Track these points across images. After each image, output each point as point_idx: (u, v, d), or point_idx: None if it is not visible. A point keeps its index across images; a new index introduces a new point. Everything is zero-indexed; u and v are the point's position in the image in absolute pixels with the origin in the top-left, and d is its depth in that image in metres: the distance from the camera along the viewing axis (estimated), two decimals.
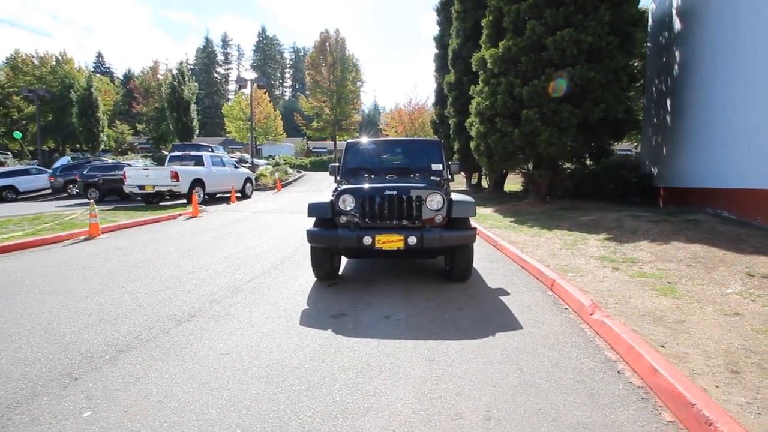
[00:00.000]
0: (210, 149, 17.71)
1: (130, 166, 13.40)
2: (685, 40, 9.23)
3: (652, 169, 11.18)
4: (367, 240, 3.83)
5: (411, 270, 5.01)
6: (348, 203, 4.08)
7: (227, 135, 34.38)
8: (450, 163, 5.43)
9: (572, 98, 9.11)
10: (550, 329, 3.10)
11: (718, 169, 7.15)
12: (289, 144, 36.94)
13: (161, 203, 12.29)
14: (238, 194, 13.70)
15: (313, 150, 42.19)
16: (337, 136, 34.45)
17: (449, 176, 5.32)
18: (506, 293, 4.00)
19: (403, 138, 6.92)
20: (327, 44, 32.66)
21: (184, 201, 11.99)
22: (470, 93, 11.06)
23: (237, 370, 2.49)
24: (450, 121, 14.09)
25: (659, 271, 4.33)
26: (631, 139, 17.59)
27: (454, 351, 2.73)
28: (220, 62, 66.63)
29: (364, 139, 5.70)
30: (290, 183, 19.10)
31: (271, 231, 7.80)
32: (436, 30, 17.12)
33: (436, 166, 5.30)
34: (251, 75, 35.12)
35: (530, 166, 10.89)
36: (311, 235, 4.06)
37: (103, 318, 3.36)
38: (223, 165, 13.63)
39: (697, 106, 8.39)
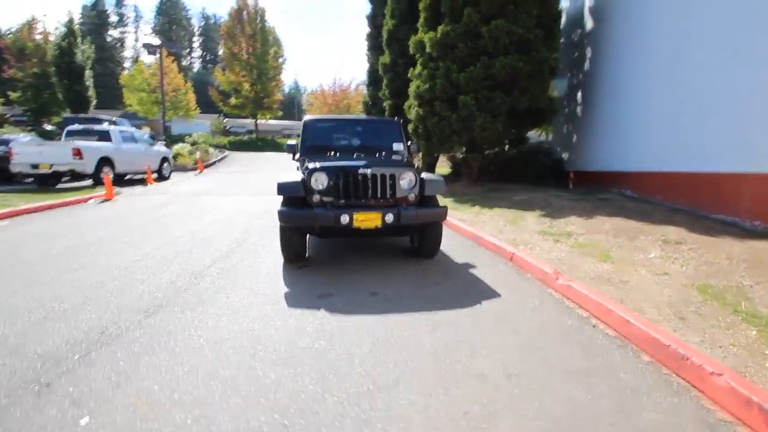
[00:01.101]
0: (113, 122, 15.49)
1: (14, 140, 11.17)
2: (595, 37, 10.41)
3: (563, 155, 12.58)
4: (344, 219, 3.78)
5: (375, 248, 5.06)
6: (321, 182, 3.97)
7: (127, 108, 30.23)
8: (409, 143, 5.54)
9: (503, 87, 9.77)
10: (524, 295, 3.42)
11: (621, 155, 8.32)
12: (203, 121, 33.83)
13: (58, 185, 10.51)
14: (155, 175, 12.29)
15: (231, 129, 39.25)
16: (258, 115, 32.47)
17: (410, 156, 5.43)
18: (473, 266, 4.29)
19: (362, 117, 6.84)
20: (245, 13, 30.20)
21: (89, 183, 10.42)
22: (408, 76, 11.23)
23: (243, 356, 2.35)
24: (385, 104, 14.18)
25: (592, 241, 4.98)
26: (538, 127, 19.52)
27: (451, 319, 2.89)
28: (114, 24, 57.67)
29: (322, 117, 5.53)
30: (213, 164, 17.64)
31: (210, 214, 7.22)
32: (368, 8, 16.90)
33: (397, 146, 5.37)
34: (154, 41, 31.04)
35: (463, 149, 11.51)
36: (284, 215, 3.88)
37: (48, 315, 2.87)
38: (135, 141, 12.07)
39: (605, 99, 9.60)
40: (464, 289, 3.58)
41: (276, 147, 29.91)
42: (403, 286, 3.63)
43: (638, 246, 4.61)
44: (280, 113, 35.36)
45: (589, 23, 10.90)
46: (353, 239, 5.38)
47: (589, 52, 10.84)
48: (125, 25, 59.20)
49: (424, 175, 4.36)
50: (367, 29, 17.09)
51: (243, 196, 9.70)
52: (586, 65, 11.00)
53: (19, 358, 2.29)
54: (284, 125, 45.92)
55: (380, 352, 2.41)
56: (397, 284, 3.68)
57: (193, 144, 18.48)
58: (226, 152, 21.28)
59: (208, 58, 66.21)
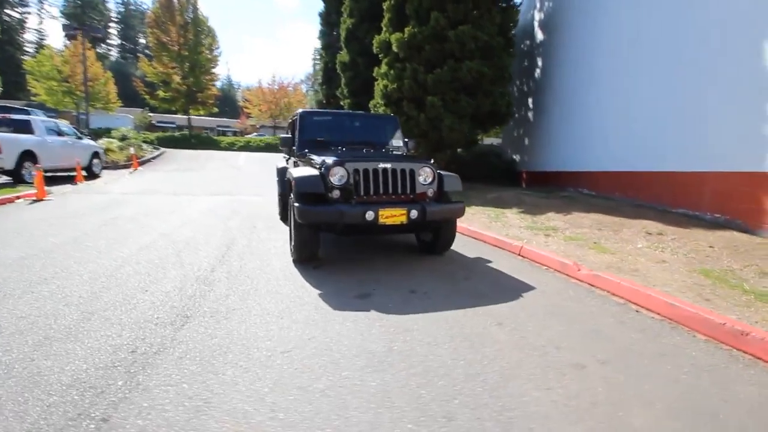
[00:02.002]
0: (26, 112, 13.30)
1: None
2: (546, 49, 11.21)
3: (515, 157, 13.39)
4: (370, 215, 3.60)
5: (377, 245, 4.92)
6: (340, 177, 3.76)
7: (33, 98, 26.15)
8: (406, 140, 5.48)
9: (468, 90, 10.12)
10: (555, 286, 3.53)
11: (578, 157, 9.05)
12: (126, 115, 30.48)
13: None
14: (83, 173, 10.77)
15: (159, 124, 35.91)
16: (191, 110, 30.10)
17: (408, 152, 5.36)
18: (489, 261, 4.34)
19: (359, 112, 6.62)
20: (176, 0, 27.85)
21: (7, 180, 8.83)
22: (374, 75, 11.15)
23: (326, 365, 2.11)
24: (344, 102, 13.95)
25: (580, 234, 5.32)
26: (497, 129, 20.58)
27: (508, 313, 2.88)
28: (13, 2, 49.45)
29: (318, 110, 5.25)
30: (149, 161, 15.95)
31: (174, 216, 6.49)
32: (320, 6, 16.55)
33: (397, 142, 5.30)
34: (62, 23, 27.26)
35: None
36: (304, 212, 3.60)
37: (49, 335, 2.34)
38: (60, 134, 10.48)
39: (557, 105, 10.37)
40: (496, 283, 3.60)
41: (213, 144, 27.99)
42: (435, 283, 3.55)
43: (624, 238, 5.02)
44: (216, 109, 33.18)
45: (539, 35, 11.72)
46: (357, 237, 5.16)
47: (539, 61, 11.65)
48: (26, 5, 51.29)
49: (441, 171, 4.33)
50: (319, 27, 16.74)
51: (199, 197, 8.89)
52: (537, 74, 11.81)
53: (44, 390, 1.82)
54: (219, 122, 43.21)
55: (465, 349, 2.31)
56: (426, 281, 3.59)
57: (123, 139, 16.54)
58: (163, 149, 19.40)
59: (127, 47, 59.84)
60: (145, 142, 19.06)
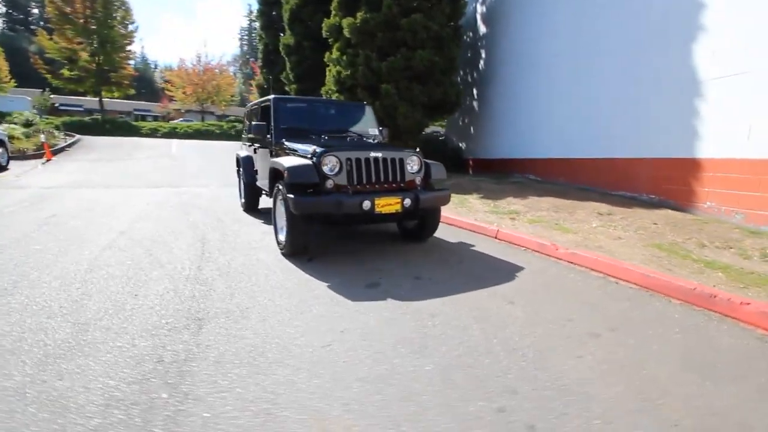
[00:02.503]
0: None
1: None
2: (489, 41, 11.75)
3: (460, 144, 13.97)
4: (366, 204, 3.60)
5: (359, 235, 4.93)
6: (332, 166, 3.70)
7: None
8: (380, 128, 5.49)
9: (420, 78, 10.30)
10: (540, 265, 3.85)
11: (524, 145, 9.71)
12: (22, 96, 26.18)
13: None
14: None
15: (63, 107, 31.40)
16: (103, 92, 26.83)
17: (384, 140, 5.39)
18: (472, 245, 4.57)
19: (333, 99, 6.36)
20: None
21: None
22: (325, 60, 10.86)
23: (375, 355, 2.13)
24: (289, 87, 13.39)
25: (541, 217, 5.79)
26: (447, 117, 21.20)
27: (513, 292, 3.09)
28: None
29: (292, 97, 5.03)
30: (62, 150, 13.97)
31: (122, 211, 5.86)
32: None
33: (373, 131, 5.30)
34: None
35: None
36: (300, 203, 3.49)
37: (49, 352, 2.06)
38: None
39: (503, 96, 10.97)
40: (488, 265, 3.83)
41: (132, 131, 25.29)
42: (434, 268, 3.67)
43: (579, 218, 5.56)
44: (133, 91, 29.98)
45: (482, 28, 12.23)
46: (343, 227, 5.08)
47: (483, 53, 12.19)
48: None
49: (426, 160, 4.42)
50: (257, 6, 15.75)
51: (139, 190, 8.10)
52: (481, 65, 12.36)
53: (78, 413, 1.62)
54: (136, 106, 39.12)
55: (492, 328, 2.46)
56: (425, 267, 3.70)
57: (28, 125, 14.27)
58: (78, 136, 17.07)
59: (16, 17, 51.02)
60: (55, 127, 16.65)
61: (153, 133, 25.77)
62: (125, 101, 35.91)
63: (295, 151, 4.15)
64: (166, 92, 35.49)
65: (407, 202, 3.84)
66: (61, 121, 22.58)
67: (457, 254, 4.20)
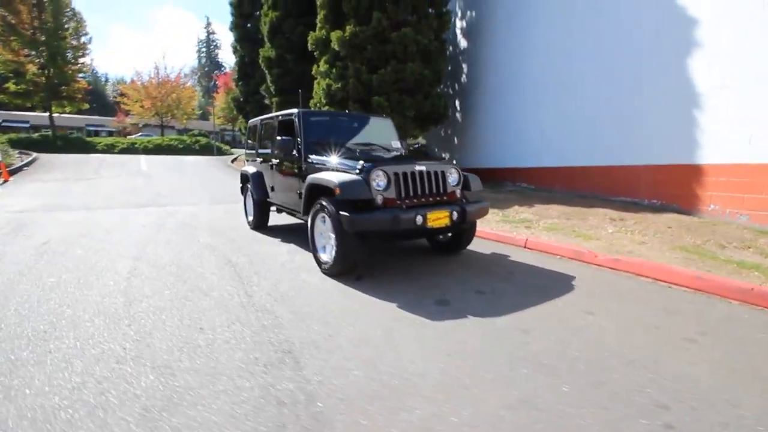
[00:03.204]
0: None
1: None
2: (471, 55, 12.09)
3: (443, 155, 14.20)
4: (419, 219, 3.52)
5: (386, 250, 4.81)
6: (380, 181, 3.60)
7: None
8: (401, 141, 5.44)
9: (410, 91, 10.40)
10: (585, 273, 3.91)
11: (516, 154, 10.00)
12: None
13: None
14: None
15: (5, 123, 28.80)
16: (54, 106, 24.98)
17: (405, 153, 5.33)
18: (507, 255, 4.59)
19: (354, 113, 6.15)
20: None
21: None
22: (313, 73, 10.73)
23: (500, 374, 2.03)
24: (272, 100, 13.06)
25: (555, 224, 5.94)
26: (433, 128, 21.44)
27: (585, 302, 3.11)
28: None
29: (315, 111, 4.88)
30: (20, 169, 12.74)
31: (122, 236, 5.39)
32: None
33: (395, 143, 5.24)
34: None
35: None
36: (358, 221, 3.36)
37: (173, 398, 1.79)
38: None
39: (489, 108, 11.27)
40: (540, 276, 3.83)
41: (86, 147, 23.66)
42: (489, 281, 3.62)
43: (593, 225, 5.75)
44: (87, 106, 28.20)
45: (462, 42, 12.59)
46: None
47: (464, 66, 12.53)
48: None
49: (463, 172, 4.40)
50: (231, 18, 15.32)
51: (124, 210, 7.53)
52: (463, 78, 12.69)
53: None
54: (88, 120, 36.78)
55: (592, 340, 2.45)
56: (479, 281, 3.65)
57: None
58: (34, 154, 15.65)
59: None
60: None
61: (109, 149, 24.30)
62: (76, 116, 33.71)
63: (325, 165, 4.02)
64: (122, 106, 33.69)
65: (454, 215, 3.80)
66: (7, 138, 20.72)
67: (500, 265, 4.18)
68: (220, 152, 30.75)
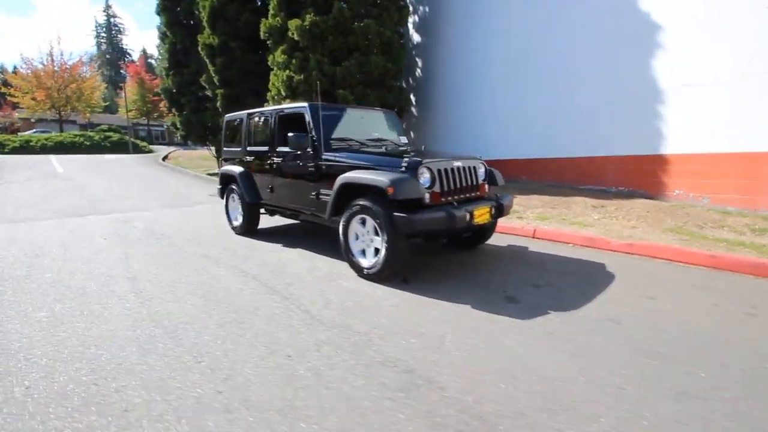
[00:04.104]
0: None
1: None
2: (426, 49, 12.20)
3: None
4: (468, 216, 3.45)
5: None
6: (428, 178, 3.45)
7: None
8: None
9: (373, 84, 10.19)
10: (608, 259, 4.13)
11: (478, 147, 10.31)
12: None
13: None
14: None
15: None
16: None
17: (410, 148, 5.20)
18: (525, 246, 4.70)
19: (362, 107, 5.64)
20: None
21: None
22: (270, 63, 10.00)
23: (634, 374, 2.04)
24: (215, 92, 11.89)
25: (542, 214, 6.24)
26: None
27: (637, 287, 3.28)
28: None
29: (326, 105, 4.49)
30: None
31: (80, 253, 4.50)
32: None
33: (403, 138, 5.08)
34: None
35: None
36: (415, 221, 3.18)
37: None
38: None
39: (449, 102, 11.47)
40: (573, 264, 3.97)
41: None
42: (534, 274, 3.66)
43: (579, 212, 6.15)
44: None
45: (415, 36, 12.66)
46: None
47: (419, 61, 12.63)
48: None
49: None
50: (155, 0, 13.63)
51: (61, 221, 6.36)
52: (418, 72, 12.78)
53: None
54: None
55: (683, 323, 2.58)
56: (524, 274, 3.67)
57: None
58: None
59: None
60: None
61: None
62: None
63: (350, 163, 3.76)
64: (8, 98, 28.59)
65: (493, 210, 3.79)
66: None
67: (528, 257, 4.27)
68: (138, 150, 27.64)
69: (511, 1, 9.13)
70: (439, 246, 4.76)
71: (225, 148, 5.77)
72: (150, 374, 2.04)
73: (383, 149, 4.37)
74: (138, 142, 29.53)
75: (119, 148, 27.32)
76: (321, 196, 4.11)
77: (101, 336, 2.44)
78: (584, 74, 7.37)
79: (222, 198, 5.79)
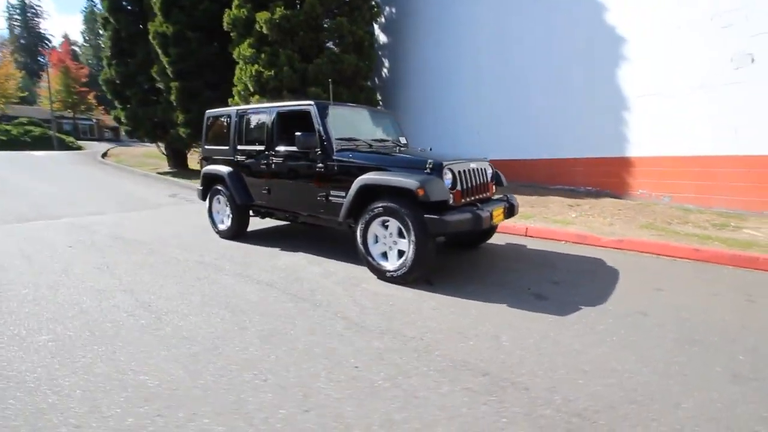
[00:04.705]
0: None
1: None
2: (393, 51, 12.26)
3: None
4: (490, 217, 3.53)
5: None
6: (450, 179, 3.48)
7: None
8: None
9: (345, 83, 10.04)
10: (603, 255, 4.42)
11: (448, 148, 10.53)
12: None
13: None
14: None
15: None
16: None
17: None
18: (523, 245, 4.88)
19: (365, 106, 5.35)
20: None
21: None
22: (235, 57, 9.46)
23: (671, 361, 2.20)
24: (170, 85, 10.97)
25: (524, 212, 6.52)
26: None
27: (643, 281, 3.54)
28: None
29: (331, 103, 4.33)
30: None
31: (48, 265, 3.96)
32: None
33: (402, 139, 5.05)
34: None
35: None
36: (446, 223, 3.19)
37: None
38: None
39: (417, 103, 11.59)
40: (576, 261, 4.17)
41: None
42: (547, 272, 3.79)
43: (557, 211, 6.52)
44: None
45: (382, 37, 12.66)
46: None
47: (386, 62, 12.65)
48: None
49: None
50: None
51: (5, 226, 5.57)
52: (384, 72, 12.80)
53: None
54: None
55: (702, 314, 2.82)
56: (538, 272, 3.81)
57: None
58: None
59: None
60: None
61: None
62: None
63: (364, 164, 3.68)
64: None
65: (505, 210, 3.91)
66: None
67: (530, 255, 4.44)
68: (66, 146, 24.95)
69: (481, 7, 9.44)
70: (440, 246, 4.80)
71: (207, 147, 5.37)
72: (215, 398, 1.84)
73: (396, 149, 4.32)
74: (64, 137, 26.65)
75: (42, 143, 24.48)
76: (331, 198, 3.97)
77: (134, 358, 2.16)
78: (553, 81, 7.83)
79: (204, 200, 5.39)
